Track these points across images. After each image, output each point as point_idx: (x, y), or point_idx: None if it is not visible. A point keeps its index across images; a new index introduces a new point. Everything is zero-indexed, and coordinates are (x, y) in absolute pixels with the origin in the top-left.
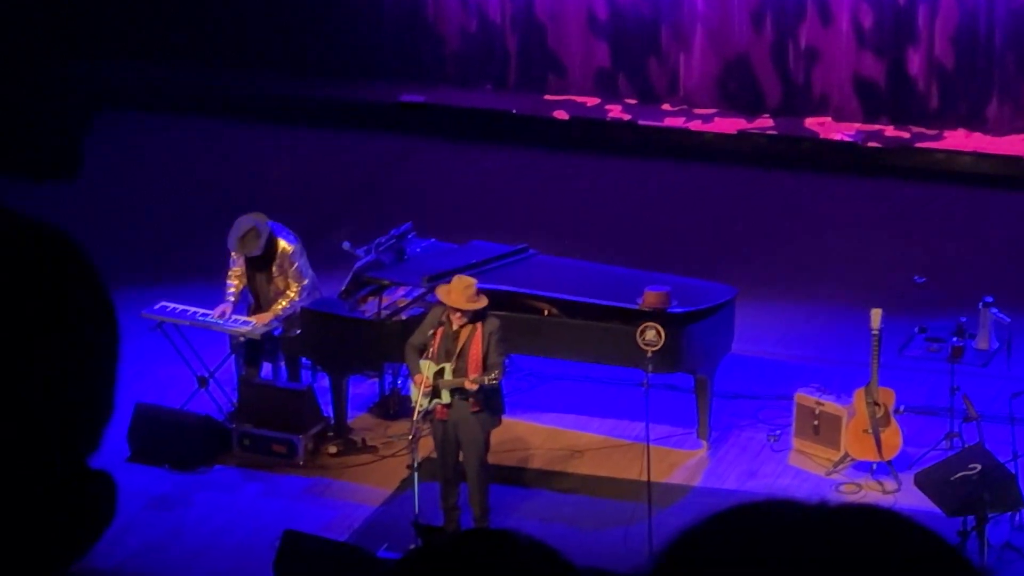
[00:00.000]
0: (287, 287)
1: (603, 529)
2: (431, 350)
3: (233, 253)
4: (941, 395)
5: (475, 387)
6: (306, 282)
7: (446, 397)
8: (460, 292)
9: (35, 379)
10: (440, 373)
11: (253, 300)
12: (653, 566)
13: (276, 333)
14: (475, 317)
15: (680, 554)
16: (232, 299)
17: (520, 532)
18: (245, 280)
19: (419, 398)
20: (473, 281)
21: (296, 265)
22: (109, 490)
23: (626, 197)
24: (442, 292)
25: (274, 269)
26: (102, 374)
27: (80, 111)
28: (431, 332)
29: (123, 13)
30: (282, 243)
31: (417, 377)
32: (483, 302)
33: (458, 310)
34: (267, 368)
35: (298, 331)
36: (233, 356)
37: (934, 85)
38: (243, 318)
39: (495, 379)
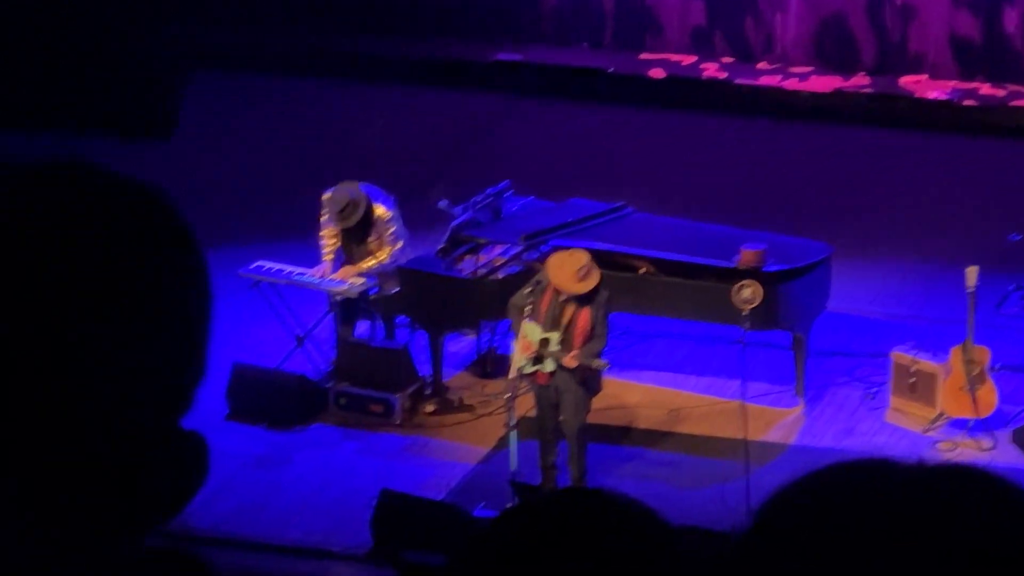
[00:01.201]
0: (379, 249)
1: (700, 487)
2: (539, 313)
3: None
4: None
5: (575, 364)
6: (400, 245)
7: (549, 366)
8: (571, 273)
9: (127, 339)
10: (546, 342)
11: (347, 260)
12: (748, 525)
13: (372, 292)
14: (583, 298)
15: (774, 514)
16: (329, 259)
17: (616, 491)
18: (340, 240)
19: (521, 359)
20: (586, 259)
21: (392, 230)
22: (201, 451)
23: (722, 155)
24: (552, 267)
25: (370, 234)
26: (194, 334)
27: (175, 71)
28: (529, 291)
29: None
30: (379, 209)
31: (522, 341)
32: (593, 281)
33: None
34: (364, 327)
35: (395, 290)
36: (330, 315)
37: None
38: (338, 277)
39: (602, 365)
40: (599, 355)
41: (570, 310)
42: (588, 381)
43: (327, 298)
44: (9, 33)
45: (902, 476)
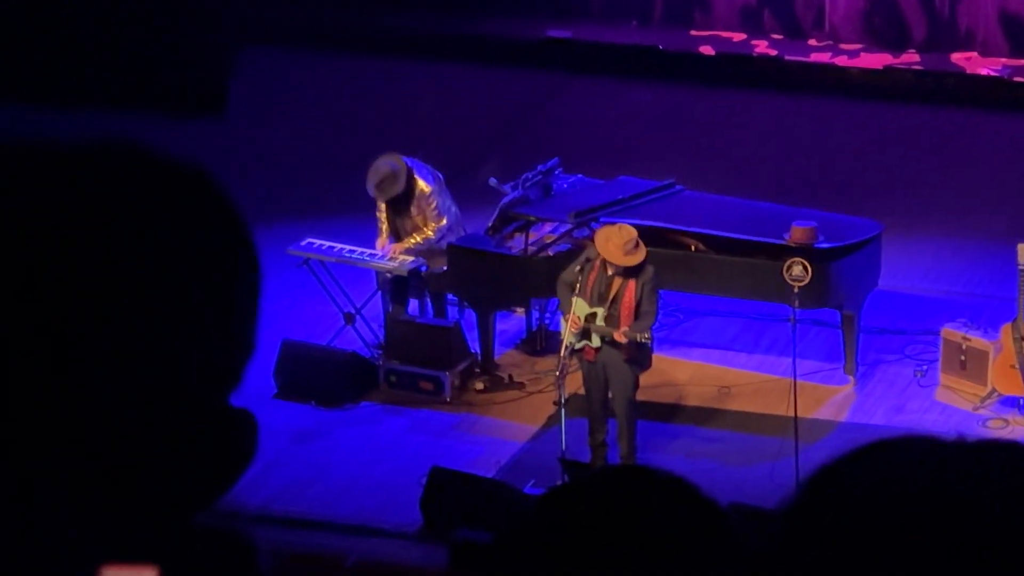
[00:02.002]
0: (425, 225)
1: (750, 465)
2: (585, 289)
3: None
4: None
5: (625, 340)
6: (444, 222)
7: (596, 341)
8: (619, 246)
9: (176, 318)
10: (592, 317)
11: (395, 238)
12: (791, 501)
13: (422, 269)
14: (630, 271)
15: (818, 490)
16: (385, 228)
17: (663, 469)
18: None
19: (569, 336)
20: (634, 234)
21: (434, 205)
22: (251, 428)
23: (772, 132)
24: (600, 240)
25: (413, 209)
26: (243, 313)
27: (226, 48)
28: (579, 268)
29: None
30: (420, 183)
31: (571, 317)
32: (640, 255)
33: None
34: (413, 304)
35: (445, 267)
36: (379, 292)
37: None
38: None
39: (648, 338)
40: (648, 331)
41: (616, 285)
42: (637, 358)
43: (376, 276)
44: (57, 8)
45: (944, 453)
